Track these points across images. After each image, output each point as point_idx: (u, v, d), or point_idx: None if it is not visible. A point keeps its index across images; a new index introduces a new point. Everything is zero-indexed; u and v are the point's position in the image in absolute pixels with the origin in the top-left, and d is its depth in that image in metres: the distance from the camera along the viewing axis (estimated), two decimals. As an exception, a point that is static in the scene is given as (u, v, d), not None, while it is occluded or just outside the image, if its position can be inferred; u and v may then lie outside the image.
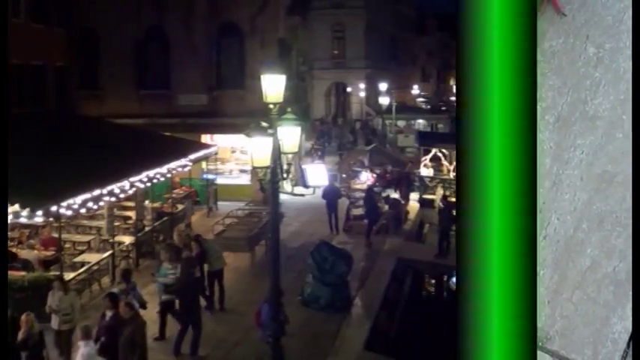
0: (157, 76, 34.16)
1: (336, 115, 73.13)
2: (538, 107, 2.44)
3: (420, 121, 62.18)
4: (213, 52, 33.96)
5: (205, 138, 33.07)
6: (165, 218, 25.90)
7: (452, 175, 39.18)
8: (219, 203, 31.56)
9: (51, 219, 18.64)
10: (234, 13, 33.66)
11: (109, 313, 14.26)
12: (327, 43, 71.74)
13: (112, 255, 21.26)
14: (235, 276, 21.71)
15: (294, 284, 20.34)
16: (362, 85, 69.78)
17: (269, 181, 12.60)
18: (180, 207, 28.12)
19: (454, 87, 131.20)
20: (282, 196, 29.59)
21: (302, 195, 34.80)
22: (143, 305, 16.77)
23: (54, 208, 17.17)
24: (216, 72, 34.27)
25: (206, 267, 19.33)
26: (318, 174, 33.33)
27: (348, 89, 73.51)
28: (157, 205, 27.00)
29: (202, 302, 18.40)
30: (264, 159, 12.34)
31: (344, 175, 37.22)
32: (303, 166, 34.92)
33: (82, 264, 20.31)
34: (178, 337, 16.51)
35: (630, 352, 2.54)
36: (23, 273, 18.49)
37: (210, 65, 33.96)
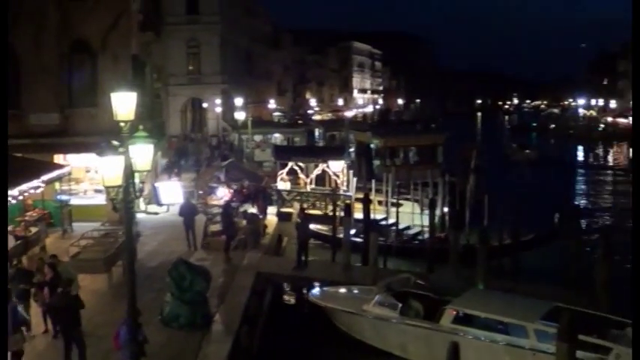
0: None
1: (192, 131, 72.79)
2: None
3: (277, 135, 62.79)
4: (64, 69, 33.24)
5: (58, 158, 32.35)
6: (18, 242, 25.18)
7: (309, 188, 39.85)
8: (75, 224, 30.83)
9: None
10: (86, 29, 33.05)
11: None
12: (182, 59, 71.41)
13: (-38, 282, 20.54)
14: (93, 298, 21.34)
15: (153, 304, 20.25)
16: (218, 101, 69.68)
17: (121, 200, 12.53)
18: (33, 230, 27.39)
19: (310, 100, 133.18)
20: (139, 215, 29.37)
21: (156, 213, 34.51)
22: (27, 325, 16.63)
23: None
24: (68, 90, 33.52)
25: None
26: (173, 191, 33.06)
27: (205, 105, 73.20)
28: (9, 228, 26.25)
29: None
30: (115, 178, 12.28)
31: (201, 192, 37.16)
32: (156, 184, 34.59)
33: None
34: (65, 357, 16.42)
35: None
36: None
37: (61, 83, 33.21)
